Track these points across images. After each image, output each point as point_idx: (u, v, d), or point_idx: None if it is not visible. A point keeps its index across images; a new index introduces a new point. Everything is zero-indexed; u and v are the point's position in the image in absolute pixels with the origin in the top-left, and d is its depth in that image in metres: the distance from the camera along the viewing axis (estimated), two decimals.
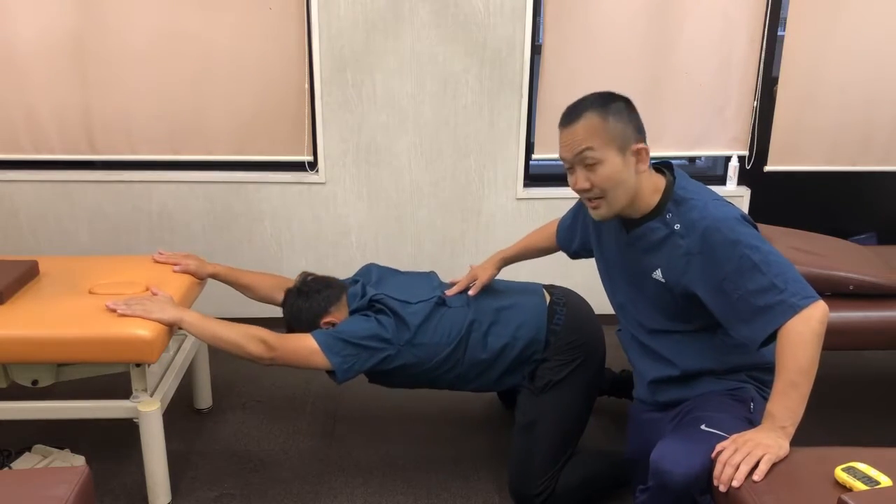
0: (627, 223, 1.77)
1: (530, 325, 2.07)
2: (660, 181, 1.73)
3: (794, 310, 1.51)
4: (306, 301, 2.09)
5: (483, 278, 2.15)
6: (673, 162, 1.80)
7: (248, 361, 1.95)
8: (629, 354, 1.94)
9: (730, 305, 1.60)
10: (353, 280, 2.19)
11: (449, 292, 2.12)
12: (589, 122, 1.64)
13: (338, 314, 2.08)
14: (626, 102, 1.68)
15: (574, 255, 2.15)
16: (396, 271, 2.27)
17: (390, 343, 1.99)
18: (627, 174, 1.66)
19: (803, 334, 1.50)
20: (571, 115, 1.67)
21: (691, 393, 1.77)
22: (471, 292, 2.12)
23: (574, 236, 2.10)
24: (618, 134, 1.63)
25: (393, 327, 2.00)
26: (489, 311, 2.08)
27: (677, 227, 1.67)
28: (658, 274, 1.73)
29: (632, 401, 1.96)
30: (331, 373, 1.97)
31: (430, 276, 2.25)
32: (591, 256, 2.04)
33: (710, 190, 1.74)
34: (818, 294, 1.55)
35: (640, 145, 1.66)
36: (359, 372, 1.99)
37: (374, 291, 2.07)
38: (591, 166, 1.66)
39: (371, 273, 2.22)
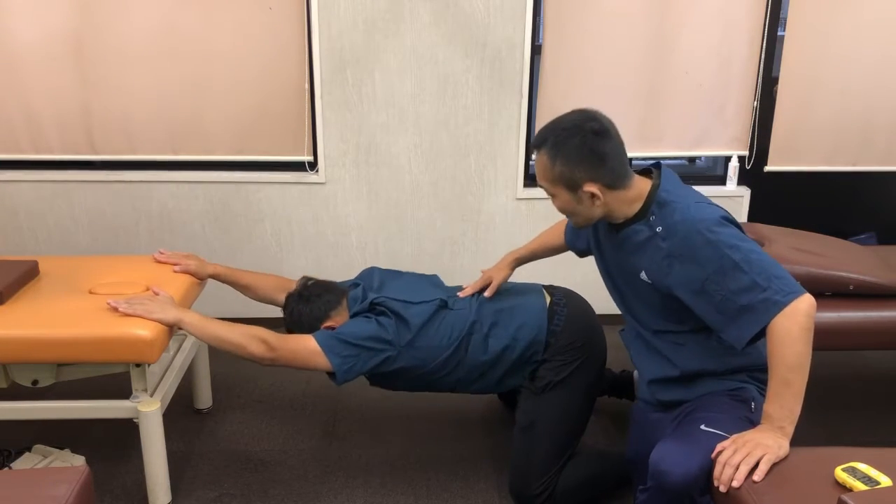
0: (616, 225, 1.78)
1: (531, 326, 2.07)
2: (644, 186, 1.72)
3: (779, 306, 1.51)
4: (307, 306, 2.09)
5: (498, 280, 2.15)
6: (670, 162, 1.80)
7: (249, 361, 1.95)
8: (631, 353, 1.95)
9: (714, 306, 1.60)
10: (354, 283, 2.19)
11: (462, 294, 2.13)
12: (540, 160, 1.71)
13: (338, 318, 2.08)
14: (595, 135, 1.64)
15: (582, 254, 2.15)
16: (399, 273, 2.26)
17: (391, 344, 1.99)
18: (582, 207, 1.72)
19: (790, 330, 1.50)
20: (535, 143, 1.73)
21: (692, 394, 1.77)
22: (486, 293, 2.12)
23: (579, 236, 2.10)
24: (564, 177, 1.67)
25: (394, 328, 2.00)
26: (490, 312, 2.08)
27: (659, 229, 1.68)
28: (644, 275, 1.74)
29: (632, 401, 1.96)
30: (331, 374, 1.97)
31: (433, 278, 2.25)
32: None
33: (695, 191, 1.75)
34: (812, 292, 1.54)
35: (591, 188, 1.66)
36: (358, 373, 1.99)
37: (374, 295, 2.06)
38: (549, 195, 1.75)
39: (373, 276, 2.21)
